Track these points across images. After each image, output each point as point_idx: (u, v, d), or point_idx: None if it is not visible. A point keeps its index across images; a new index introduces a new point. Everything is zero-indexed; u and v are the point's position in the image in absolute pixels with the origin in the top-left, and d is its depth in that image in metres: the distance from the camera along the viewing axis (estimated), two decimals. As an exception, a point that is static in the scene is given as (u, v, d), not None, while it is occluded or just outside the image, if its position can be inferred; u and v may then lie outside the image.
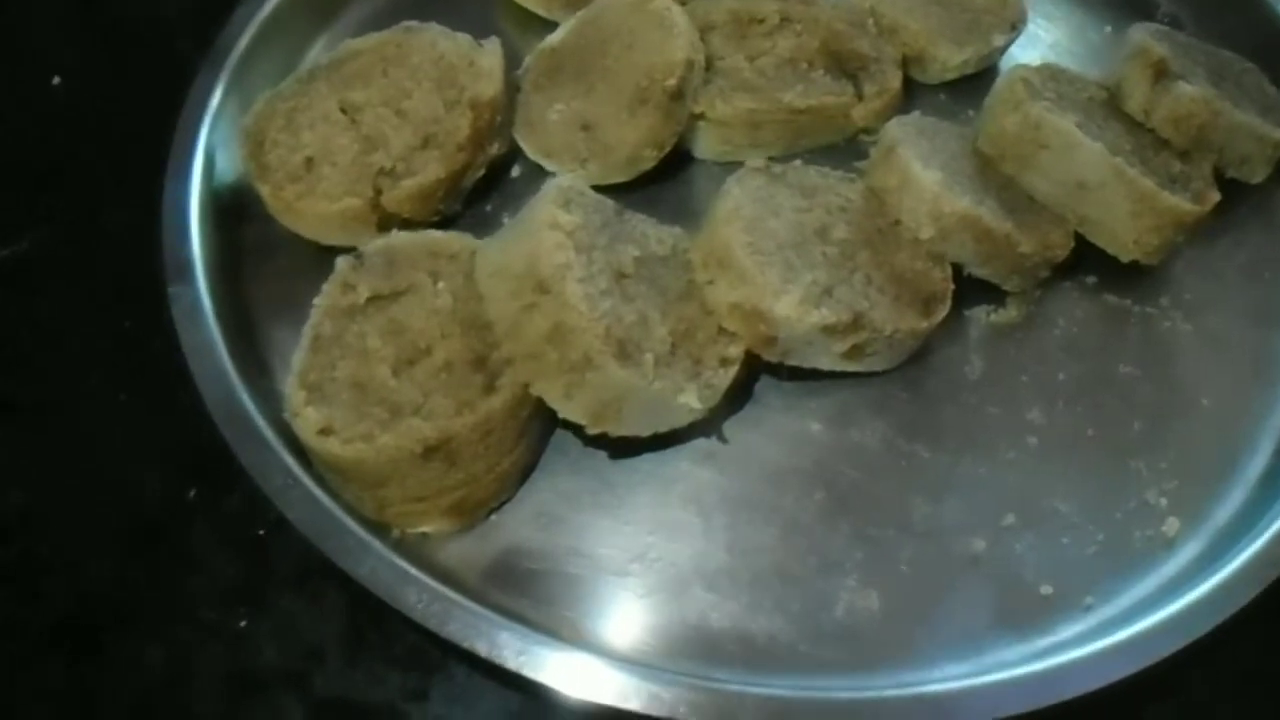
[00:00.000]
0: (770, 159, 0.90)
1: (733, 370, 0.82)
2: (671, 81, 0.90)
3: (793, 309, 0.80)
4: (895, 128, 0.90)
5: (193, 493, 0.88)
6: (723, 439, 0.86)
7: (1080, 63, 1.04)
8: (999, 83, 0.93)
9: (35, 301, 0.99)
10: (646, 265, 0.82)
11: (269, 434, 0.81)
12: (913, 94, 1.03)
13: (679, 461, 0.85)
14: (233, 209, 0.95)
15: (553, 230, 0.77)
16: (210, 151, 0.95)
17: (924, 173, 0.86)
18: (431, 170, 0.90)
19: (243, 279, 0.93)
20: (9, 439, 0.92)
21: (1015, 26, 1.04)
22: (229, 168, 0.96)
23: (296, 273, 0.92)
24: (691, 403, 0.79)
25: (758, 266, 0.81)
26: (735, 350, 0.83)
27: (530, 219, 0.79)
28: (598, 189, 0.86)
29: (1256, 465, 0.89)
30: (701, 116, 0.95)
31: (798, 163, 0.91)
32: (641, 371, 0.77)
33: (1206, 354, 0.93)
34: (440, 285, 0.83)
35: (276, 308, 0.92)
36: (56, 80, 1.13)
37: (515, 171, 0.99)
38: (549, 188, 0.81)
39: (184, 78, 1.00)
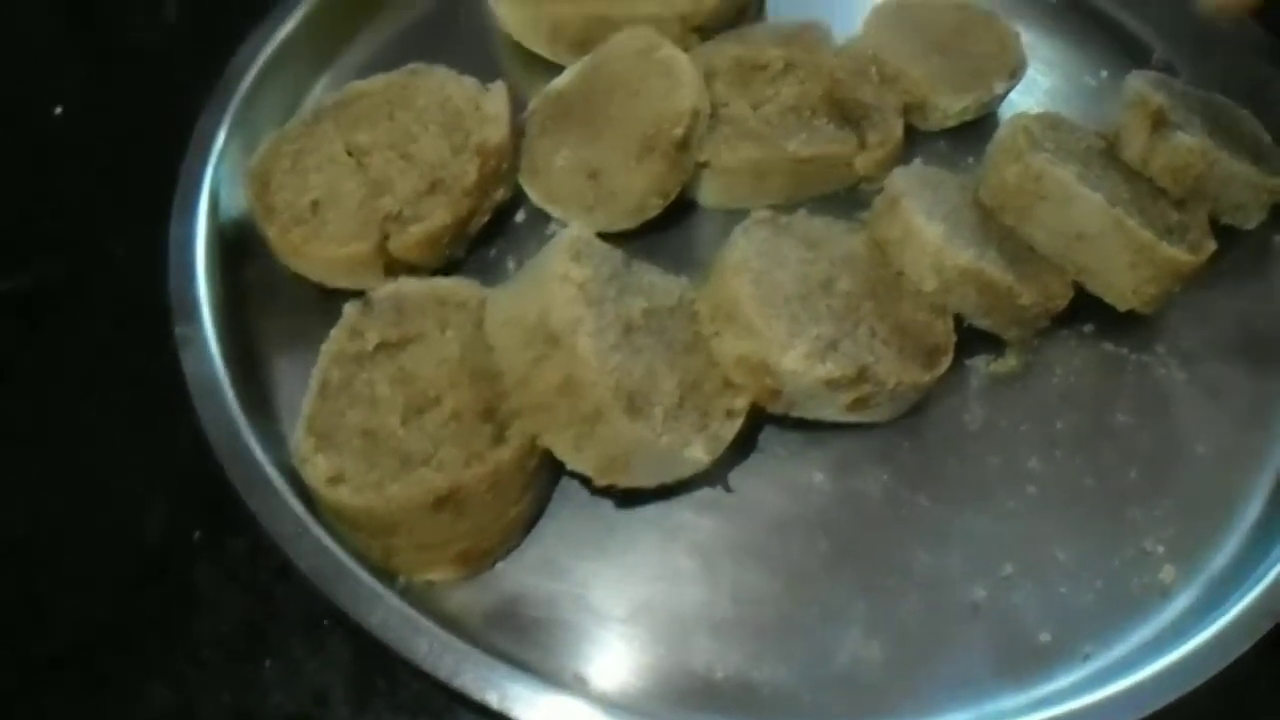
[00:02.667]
0: (774, 207, 0.91)
1: (738, 422, 0.83)
2: (678, 131, 0.91)
3: (799, 363, 0.80)
4: (899, 179, 0.91)
5: (197, 534, 0.88)
6: (727, 488, 0.86)
7: (1077, 108, 1.05)
8: (1000, 133, 0.94)
9: (38, 334, 0.98)
10: (654, 317, 0.83)
11: (277, 480, 0.81)
12: (913, 141, 1.03)
13: (684, 510, 0.86)
14: (238, 247, 0.94)
15: (564, 283, 0.78)
16: (215, 190, 0.94)
17: (927, 225, 0.87)
18: (438, 216, 0.90)
19: (249, 318, 0.93)
20: (10, 471, 0.91)
21: (1015, 74, 1.05)
22: (234, 205, 0.96)
23: (302, 313, 0.92)
24: (699, 456, 0.79)
25: (764, 320, 0.81)
26: (741, 402, 0.83)
27: (541, 270, 0.80)
28: (602, 236, 0.87)
29: (1252, 512, 0.90)
30: (706, 165, 0.95)
31: (802, 212, 0.92)
32: (650, 425, 0.77)
33: (1202, 402, 0.94)
34: (449, 334, 0.84)
35: (283, 349, 0.92)
36: (59, 110, 1.12)
37: (520, 216, 0.99)
38: (560, 239, 0.81)
39: (185, 106, 1.00)
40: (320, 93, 1.08)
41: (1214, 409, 0.94)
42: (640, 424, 0.77)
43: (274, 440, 0.85)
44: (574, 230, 0.83)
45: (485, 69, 1.00)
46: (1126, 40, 1.15)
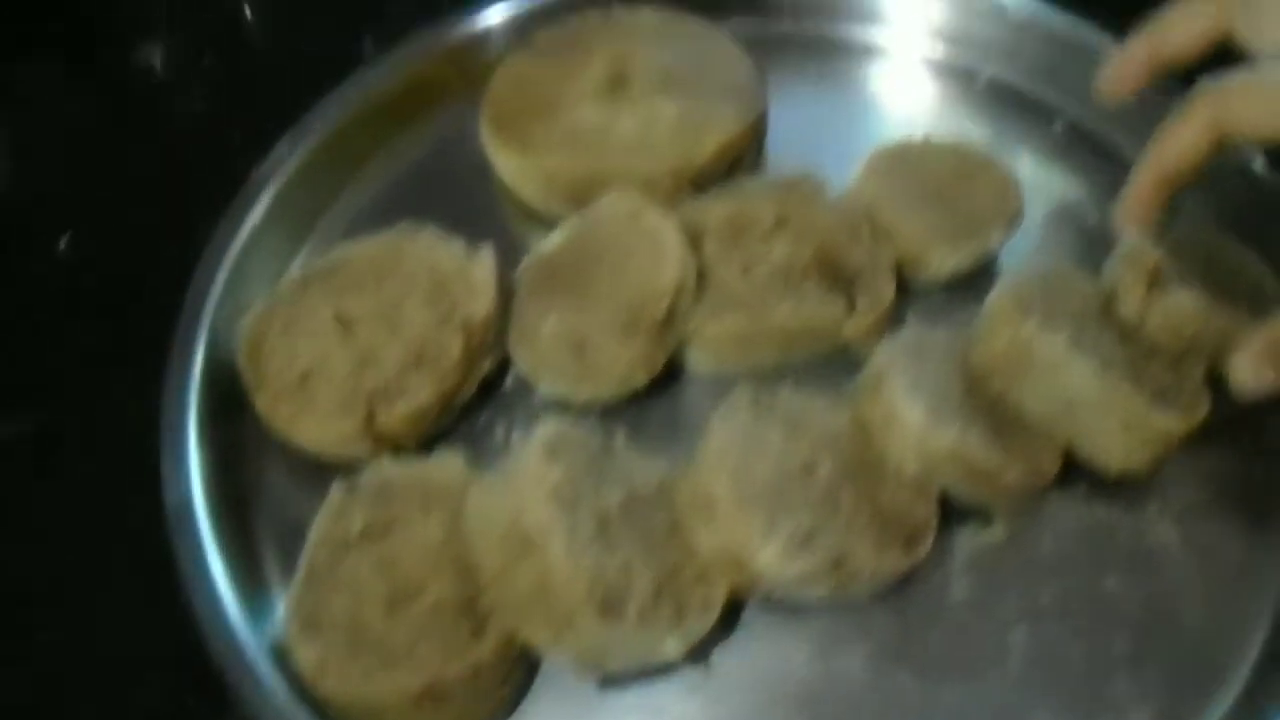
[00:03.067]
0: (759, 377, 0.92)
1: (715, 612, 0.83)
2: (662, 306, 0.91)
3: (774, 558, 0.81)
4: (884, 354, 0.90)
5: (192, 704, 0.89)
6: (709, 668, 0.87)
7: (1074, 248, 1.06)
8: (990, 302, 0.93)
9: (30, 488, 0.99)
10: (632, 506, 0.84)
11: (263, 664, 0.82)
12: (908, 294, 1.02)
13: (665, 691, 0.86)
14: (233, 404, 0.95)
15: (537, 486, 0.79)
16: (209, 354, 0.96)
17: (910, 409, 0.86)
18: (424, 392, 0.91)
19: (244, 480, 0.94)
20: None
21: (1013, 222, 1.03)
22: (230, 360, 0.96)
23: (297, 477, 0.94)
24: (675, 651, 0.81)
25: (741, 514, 0.82)
26: (718, 592, 0.84)
27: (517, 472, 0.81)
28: (588, 403, 0.89)
29: (1240, 680, 0.89)
30: (692, 334, 0.95)
31: (786, 389, 0.92)
32: (624, 625, 0.78)
33: (1194, 563, 0.93)
34: (432, 519, 0.85)
35: (276, 516, 0.93)
36: (63, 244, 1.13)
37: (509, 382, 0.99)
38: (535, 439, 0.82)
39: (194, 244, 1.01)
40: (317, 241, 1.09)
41: (1206, 570, 0.93)
42: (613, 623, 0.78)
43: (264, 614, 0.86)
44: (550, 428, 0.84)
45: (480, 220, 1.02)
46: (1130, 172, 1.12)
